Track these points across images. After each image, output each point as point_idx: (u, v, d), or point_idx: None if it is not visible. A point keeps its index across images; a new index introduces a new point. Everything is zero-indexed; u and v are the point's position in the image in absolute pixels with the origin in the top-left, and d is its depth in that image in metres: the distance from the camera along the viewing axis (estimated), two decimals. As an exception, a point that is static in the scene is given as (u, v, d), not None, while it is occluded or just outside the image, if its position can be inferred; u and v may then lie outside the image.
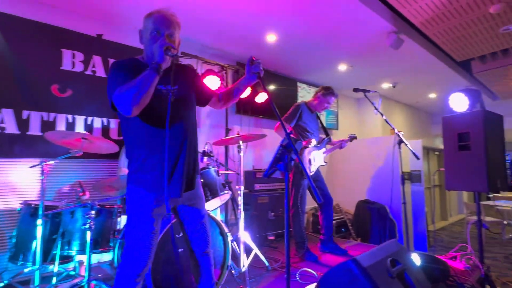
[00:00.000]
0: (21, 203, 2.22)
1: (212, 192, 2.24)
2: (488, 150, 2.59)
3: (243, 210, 3.88)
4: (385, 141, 4.57)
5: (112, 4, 2.86)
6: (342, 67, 4.58)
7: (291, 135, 3.07)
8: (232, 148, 4.02)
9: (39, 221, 2.01)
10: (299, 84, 5.13)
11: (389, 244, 1.98)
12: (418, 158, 2.59)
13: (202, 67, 3.61)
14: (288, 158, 1.49)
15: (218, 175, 2.37)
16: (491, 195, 8.91)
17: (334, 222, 4.51)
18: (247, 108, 4.16)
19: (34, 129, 2.70)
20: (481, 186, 2.59)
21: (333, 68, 4.65)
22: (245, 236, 2.57)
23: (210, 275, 1.58)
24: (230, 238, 2.57)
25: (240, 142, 2.60)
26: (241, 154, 2.62)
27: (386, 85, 5.54)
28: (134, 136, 1.42)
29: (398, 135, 2.65)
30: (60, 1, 2.82)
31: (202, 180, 2.24)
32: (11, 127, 2.60)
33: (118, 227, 2.32)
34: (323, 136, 3.28)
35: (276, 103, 4.48)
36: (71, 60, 2.94)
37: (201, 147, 2.59)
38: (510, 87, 5.35)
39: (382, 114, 2.75)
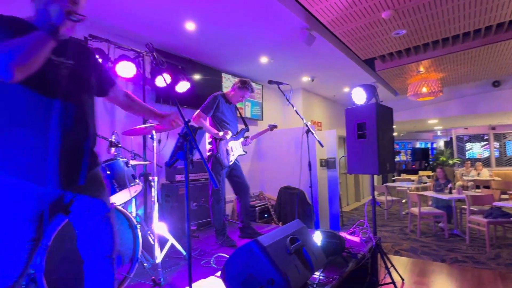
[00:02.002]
0: None
1: (119, 184, 2.15)
2: (379, 138, 2.98)
3: (165, 202, 3.84)
4: (301, 130, 4.92)
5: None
6: (264, 60, 4.74)
7: (209, 126, 3.11)
8: (149, 136, 3.88)
9: None
10: (223, 74, 5.16)
11: (291, 224, 2.17)
12: (322, 146, 2.86)
13: (115, 52, 3.38)
14: (186, 147, 1.51)
15: (128, 166, 2.28)
16: (394, 178, 10.32)
17: (257, 208, 4.73)
18: (168, 97, 4.04)
19: None
20: (374, 169, 2.99)
21: (255, 60, 4.78)
22: (160, 227, 2.54)
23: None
24: (145, 229, 2.51)
25: (153, 132, 2.53)
26: (154, 144, 2.55)
27: (305, 79, 5.92)
28: (5, 109, 1.14)
29: (306, 125, 2.88)
30: None
31: (108, 173, 2.13)
32: None
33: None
34: (241, 126, 3.38)
35: (200, 94, 4.45)
36: None
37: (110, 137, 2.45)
38: (406, 85, 6.21)
39: (293, 106, 2.95)
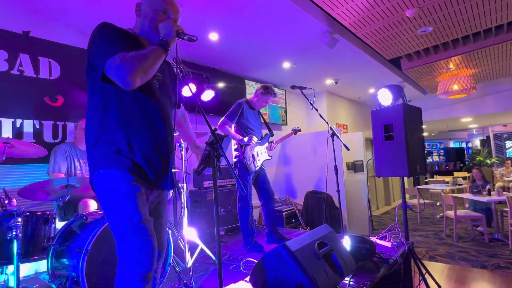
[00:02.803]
0: None
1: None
2: (408, 139, 2.90)
3: (193, 208, 3.93)
4: (326, 133, 4.87)
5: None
6: (286, 65, 4.77)
7: (234, 132, 3.17)
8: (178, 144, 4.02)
9: (-42, 234, 1.87)
10: (247, 81, 5.24)
11: (319, 229, 2.16)
12: (348, 149, 2.82)
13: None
14: (214, 154, 1.56)
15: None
16: (427, 180, 9.88)
17: (284, 213, 4.72)
18: (194, 106, 4.17)
19: (-49, 135, 2.48)
20: (403, 171, 2.91)
21: (278, 66, 4.82)
22: (190, 233, 2.62)
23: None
24: (175, 234, 2.60)
25: (181, 140, 2.63)
26: (183, 152, 2.64)
27: (329, 81, 5.87)
28: (120, 114, 1.25)
29: (331, 129, 2.86)
30: (-24, -5, 2.60)
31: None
32: None
33: (53, 233, 2.22)
34: (266, 131, 3.42)
35: (224, 101, 4.56)
36: (-8, 59, 2.73)
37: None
38: (435, 83, 5.97)
39: (317, 110, 2.94)
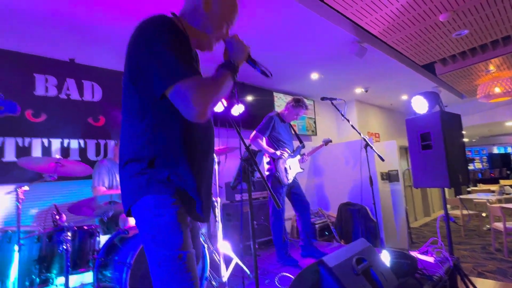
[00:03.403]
0: (-2, 230, 2.23)
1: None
2: (447, 147, 2.76)
3: (226, 221, 3.98)
4: (358, 144, 4.76)
5: (84, 28, 2.94)
6: (314, 76, 4.76)
7: (266, 146, 3.19)
8: (211, 160, 4.11)
9: (16, 247, 2.03)
10: (275, 94, 5.29)
11: (355, 244, 2.10)
12: (383, 160, 2.74)
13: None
14: (248, 170, 1.59)
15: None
16: (470, 189, 9.26)
17: (317, 226, 4.63)
18: (225, 121, 4.27)
19: (9, 156, 2.72)
20: (444, 182, 2.76)
21: (306, 77, 4.83)
22: (224, 246, 2.65)
23: None
24: (210, 248, 2.64)
25: (214, 155, 2.69)
26: (216, 167, 2.71)
27: (359, 90, 5.76)
28: (173, 137, 1.08)
29: (365, 139, 2.80)
30: (30, 28, 2.88)
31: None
32: (-15, 155, 2.62)
33: (97, 247, 2.35)
34: (297, 144, 3.41)
35: (254, 114, 4.60)
36: (44, 85, 2.99)
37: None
38: (474, 86, 5.66)
39: (348, 121, 2.90)
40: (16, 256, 2.03)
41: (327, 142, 3.63)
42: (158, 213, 1.01)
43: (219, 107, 4.02)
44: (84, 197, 3.04)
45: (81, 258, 2.20)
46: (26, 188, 2.16)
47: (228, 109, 4.04)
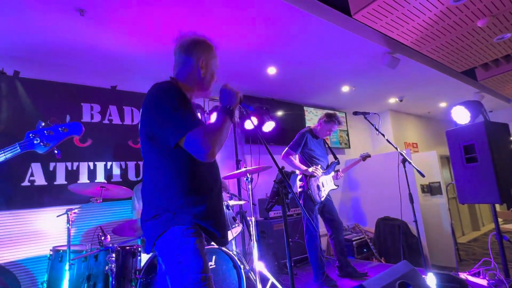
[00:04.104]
0: (51, 250, 2.41)
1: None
2: (495, 160, 2.58)
3: (260, 238, 3.96)
4: (395, 156, 4.58)
5: (124, 58, 3.17)
6: (345, 89, 4.70)
7: (298, 163, 3.17)
8: (243, 178, 4.16)
9: (67, 266, 2.18)
10: (305, 108, 5.28)
11: (398, 267, 1.99)
12: (423, 176, 2.60)
13: (209, 104, 3.84)
14: (282, 192, 1.59)
15: (229, 209, 2.49)
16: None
17: (354, 242, 4.46)
18: (256, 138, 4.32)
19: (60, 179, 2.95)
20: (493, 198, 2.56)
21: (336, 90, 4.78)
22: (260, 266, 2.63)
23: None
24: (246, 268, 2.64)
25: (248, 174, 2.73)
26: (250, 186, 2.73)
27: (392, 100, 5.58)
28: (192, 177, 1.26)
29: (401, 154, 2.69)
30: (77, 61, 3.16)
31: (213, 215, 2.36)
32: (40, 179, 2.86)
33: (139, 266, 2.45)
34: (332, 160, 3.34)
35: (285, 129, 4.62)
36: (89, 112, 3.23)
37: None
38: (522, 89, 5.24)
39: (383, 135, 2.81)
40: (67, 274, 2.17)
41: (365, 157, 3.52)
42: (184, 241, 1.17)
43: (249, 125, 4.10)
44: (126, 217, 3.22)
45: (124, 278, 2.30)
46: (75, 210, 2.32)
47: (259, 126, 4.10)
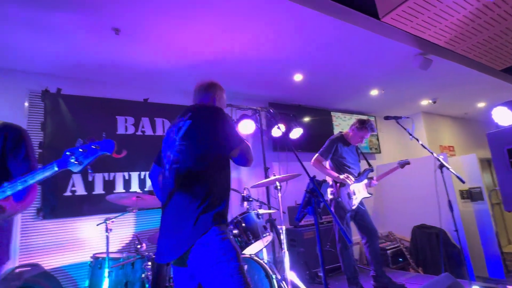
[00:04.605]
0: (91, 257, 2.53)
1: (254, 235, 2.35)
2: (545, 164, 2.38)
3: (290, 246, 3.92)
4: (430, 160, 4.37)
5: (155, 71, 3.30)
6: (374, 92, 4.58)
7: (329, 169, 3.11)
8: (272, 186, 4.15)
9: (106, 273, 2.28)
10: (333, 113, 5.19)
11: (439, 280, 1.89)
12: (463, 182, 2.46)
13: (236, 113, 3.88)
14: (314, 202, 1.57)
15: (259, 218, 2.49)
16: None
17: (388, 251, 4.28)
18: (283, 145, 4.31)
19: (98, 189, 3.11)
20: (544, 205, 2.36)
21: (364, 95, 4.67)
22: (292, 275, 2.60)
23: None
24: (278, 277, 2.61)
25: (277, 182, 2.72)
26: (279, 194, 2.72)
27: (425, 102, 5.35)
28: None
29: (438, 159, 2.56)
30: (112, 77, 3.34)
31: (243, 225, 2.37)
32: (80, 189, 3.03)
33: (172, 273, 2.51)
34: (366, 167, 3.24)
35: (312, 135, 4.57)
36: (124, 125, 3.39)
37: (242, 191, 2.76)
38: None
39: (417, 140, 2.69)
40: (106, 281, 2.27)
41: (404, 164, 3.35)
42: (224, 236, 1.34)
43: (277, 132, 4.10)
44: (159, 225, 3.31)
45: (159, 285, 2.36)
46: (113, 219, 2.43)
47: (286, 133, 4.08)
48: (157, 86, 3.68)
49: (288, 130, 4.12)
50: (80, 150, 1.09)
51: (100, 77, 3.32)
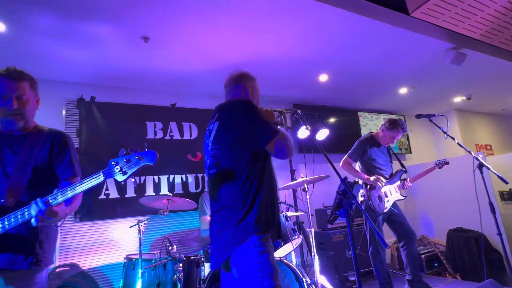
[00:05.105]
0: (124, 258, 2.61)
1: (283, 238, 2.33)
2: None
3: (319, 249, 3.84)
4: (467, 160, 4.13)
5: (183, 77, 3.38)
6: (403, 90, 4.42)
7: (359, 171, 3.03)
8: (300, 188, 4.10)
9: (139, 274, 2.34)
10: (359, 113, 5.07)
11: (485, 286, 1.78)
12: (506, 183, 2.30)
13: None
14: (346, 203, 1.53)
15: (288, 220, 2.46)
16: None
17: (423, 256, 4.10)
18: (309, 146, 4.25)
19: (130, 192, 3.21)
20: None
21: (393, 93, 4.52)
22: (322, 279, 2.55)
23: None
24: (308, 281, 2.57)
25: (305, 184, 2.68)
26: (307, 196, 2.68)
27: (459, 99, 5.10)
28: (267, 179, 1.42)
29: (477, 159, 2.42)
30: (141, 83, 3.45)
31: (272, 227, 2.35)
32: (113, 193, 3.15)
33: (202, 275, 2.54)
34: (398, 168, 3.13)
35: (339, 136, 4.47)
36: (153, 130, 3.49)
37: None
38: None
39: (453, 138, 2.56)
40: (139, 282, 2.33)
41: (442, 165, 3.17)
42: (263, 249, 1.25)
43: (303, 133, 4.05)
44: (189, 227, 3.38)
45: (190, 286, 2.39)
46: (145, 222, 2.50)
47: (313, 134, 4.03)
48: (184, 91, 3.76)
49: (314, 131, 4.06)
50: (124, 160, 1.13)
51: (130, 84, 3.45)
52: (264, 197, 1.35)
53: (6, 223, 1.15)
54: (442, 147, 5.85)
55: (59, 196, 1.15)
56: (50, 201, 1.14)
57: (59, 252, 2.84)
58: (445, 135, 2.60)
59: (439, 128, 2.66)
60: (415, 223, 5.13)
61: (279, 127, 1.45)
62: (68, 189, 1.15)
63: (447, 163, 3.14)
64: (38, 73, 2.91)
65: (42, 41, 2.46)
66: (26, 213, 1.15)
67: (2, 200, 1.20)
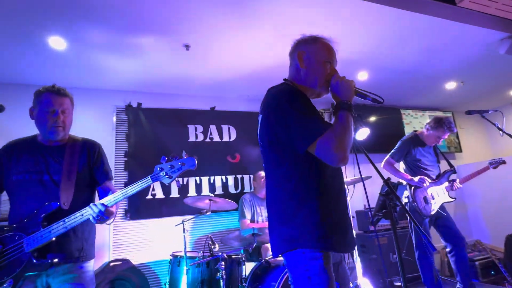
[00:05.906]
0: (170, 255, 2.76)
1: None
2: None
3: (361, 253, 3.73)
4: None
5: (221, 81, 3.49)
6: (451, 85, 4.14)
7: (402, 172, 2.91)
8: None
9: (184, 271, 2.46)
10: (402, 111, 4.84)
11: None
12: None
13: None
14: (389, 205, 1.49)
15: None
16: None
17: (477, 263, 3.80)
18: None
19: (174, 193, 3.38)
20: None
21: (439, 88, 4.25)
22: (365, 283, 2.49)
23: None
24: (350, 285, 2.52)
25: (345, 186, 2.63)
26: (348, 198, 2.63)
27: (515, 92, 4.66)
28: (320, 186, 1.16)
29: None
30: (182, 89, 3.62)
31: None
32: (159, 193, 3.34)
33: (243, 274, 2.60)
34: (446, 168, 2.95)
35: (381, 135, 4.33)
36: (194, 133, 3.64)
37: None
38: None
39: (510, 136, 2.36)
40: (184, 278, 2.45)
41: (497, 164, 2.93)
42: (314, 256, 1.09)
43: (362, 135, 3.95)
44: (230, 226, 3.48)
45: (232, 284, 2.46)
46: (190, 220, 2.62)
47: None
48: (222, 94, 3.88)
49: (354, 131, 3.96)
50: (169, 166, 1.34)
51: (173, 90, 3.63)
52: (313, 205, 1.13)
53: (67, 223, 1.34)
54: (497, 145, 5.37)
55: (113, 200, 1.36)
56: (106, 203, 1.35)
57: (112, 247, 3.07)
58: (500, 132, 2.41)
59: (494, 124, 2.47)
60: (467, 227, 4.78)
61: (342, 118, 1.11)
62: (120, 193, 1.36)
63: (504, 162, 2.89)
64: (92, 83, 3.24)
65: (96, 54, 2.69)
66: (84, 214, 1.34)
67: (59, 204, 1.38)
